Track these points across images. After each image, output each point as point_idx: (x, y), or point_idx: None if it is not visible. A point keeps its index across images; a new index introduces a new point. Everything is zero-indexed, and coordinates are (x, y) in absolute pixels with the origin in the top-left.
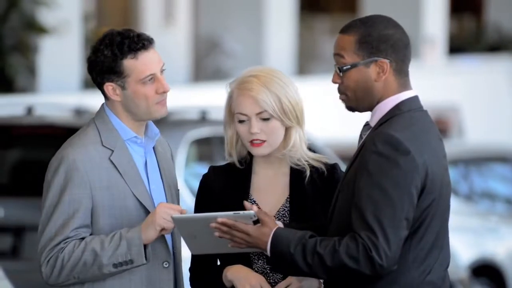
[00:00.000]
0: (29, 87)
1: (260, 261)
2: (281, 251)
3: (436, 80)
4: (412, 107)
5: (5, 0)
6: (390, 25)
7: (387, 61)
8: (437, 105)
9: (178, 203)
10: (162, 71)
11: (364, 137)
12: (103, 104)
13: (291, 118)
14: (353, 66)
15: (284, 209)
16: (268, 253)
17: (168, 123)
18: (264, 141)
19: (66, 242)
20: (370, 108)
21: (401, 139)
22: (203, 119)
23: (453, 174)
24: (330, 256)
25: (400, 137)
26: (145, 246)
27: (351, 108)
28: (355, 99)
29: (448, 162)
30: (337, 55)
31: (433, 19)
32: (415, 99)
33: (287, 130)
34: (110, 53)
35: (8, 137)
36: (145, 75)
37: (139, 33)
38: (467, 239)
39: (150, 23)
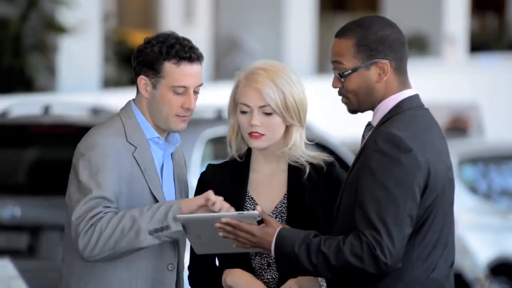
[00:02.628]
0: (49, 87)
1: (257, 257)
2: (286, 251)
3: (457, 78)
4: (413, 105)
5: (25, 0)
6: (386, 25)
7: (387, 61)
8: (457, 103)
9: None
10: (197, 90)
11: (366, 137)
12: (129, 101)
13: (293, 116)
14: (354, 70)
15: (282, 206)
16: (273, 253)
17: None
18: (263, 134)
19: (106, 212)
20: (371, 108)
21: (402, 137)
22: (219, 118)
23: (472, 172)
24: (334, 255)
25: (401, 135)
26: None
27: (353, 111)
28: (357, 102)
29: (468, 160)
30: (335, 62)
31: (455, 17)
32: (415, 97)
33: (288, 128)
34: (158, 49)
35: (25, 137)
36: (178, 84)
37: (192, 46)
38: (486, 237)
39: (170, 22)
